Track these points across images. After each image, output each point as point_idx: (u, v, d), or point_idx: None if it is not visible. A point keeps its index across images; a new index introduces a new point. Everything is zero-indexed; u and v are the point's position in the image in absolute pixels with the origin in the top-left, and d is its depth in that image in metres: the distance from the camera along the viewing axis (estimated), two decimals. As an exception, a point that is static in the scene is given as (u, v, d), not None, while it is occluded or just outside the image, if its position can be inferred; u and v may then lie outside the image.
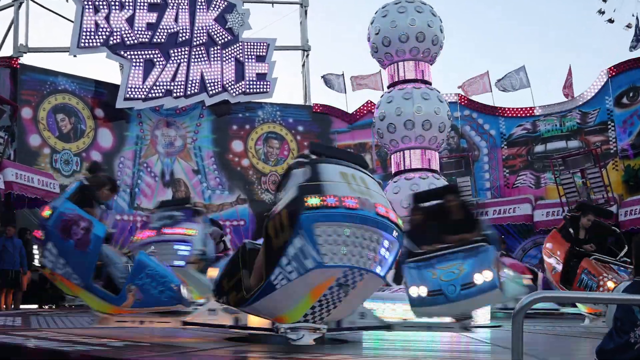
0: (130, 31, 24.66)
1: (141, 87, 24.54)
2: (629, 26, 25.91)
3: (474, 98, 27.49)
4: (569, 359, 7.91)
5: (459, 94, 27.22)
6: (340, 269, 6.50)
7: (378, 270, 6.73)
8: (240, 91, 25.90)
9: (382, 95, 17.56)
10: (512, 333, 4.11)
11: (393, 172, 17.54)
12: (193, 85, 25.28)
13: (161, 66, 24.91)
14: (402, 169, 17.69)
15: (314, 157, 7.07)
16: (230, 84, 25.74)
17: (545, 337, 9.98)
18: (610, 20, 27.20)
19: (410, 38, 16.47)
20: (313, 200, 6.50)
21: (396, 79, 17.41)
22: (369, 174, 7.22)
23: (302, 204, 6.50)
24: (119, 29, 24.51)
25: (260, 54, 26.33)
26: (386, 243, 6.75)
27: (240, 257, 7.43)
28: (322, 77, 28.81)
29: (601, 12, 27.70)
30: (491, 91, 27.64)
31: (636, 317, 4.39)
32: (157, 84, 24.76)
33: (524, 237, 24.69)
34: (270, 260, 6.71)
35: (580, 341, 9.66)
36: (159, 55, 24.95)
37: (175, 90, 24.95)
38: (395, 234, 6.84)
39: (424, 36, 16.55)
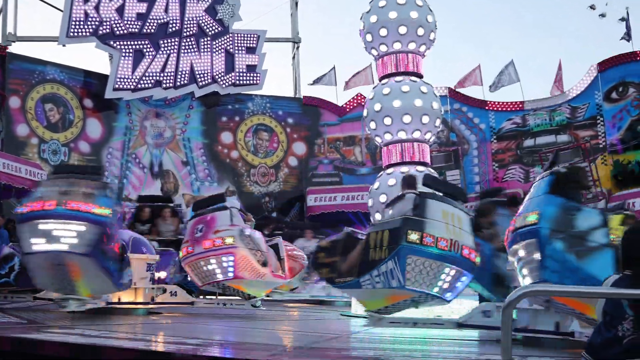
0: (120, 21, 24.61)
1: (130, 77, 24.48)
2: (622, 19, 26.10)
3: (465, 92, 27.65)
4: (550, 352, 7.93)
5: (449, 87, 27.30)
6: (416, 293, 8.23)
7: (447, 296, 8.47)
8: (230, 83, 25.88)
9: (373, 88, 17.55)
10: (501, 327, 4.15)
11: (383, 165, 17.56)
12: (182, 76, 25.25)
13: (151, 57, 24.88)
14: (392, 162, 17.72)
15: (424, 188, 8.75)
16: (220, 75, 25.74)
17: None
18: (602, 15, 27.40)
19: (404, 31, 16.43)
20: (413, 236, 8.09)
21: (387, 72, 17.40)
22: (465, 210, 8.72)
23: (405, 236, 8.09)
24: (108, 19, 24.43)
25: (251, 45, 26.31)
26: (463, 278, 8.44)
27: (343, 243, 9.15)
28: (310, 84, 28.77)
29: (592, 8, 27.90)
30: (482, 85, 27.81)
31: (625, 311, 4.37)
32: (147, 74, 24.72)
33: (513, 231, 24.84)
34: (365, 264, 8.46)
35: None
36: (148, 46, 24.91)
37: (164, 81, 24.92)
38: (471, 270, 8.49)
39: (417, 29, 16.52)
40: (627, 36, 25.81)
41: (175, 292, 12.21)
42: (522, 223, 7.50)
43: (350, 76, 28.18)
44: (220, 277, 11.79)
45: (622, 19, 26.22)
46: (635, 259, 4.43)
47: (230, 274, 11.78)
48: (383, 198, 15.80)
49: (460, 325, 8.78)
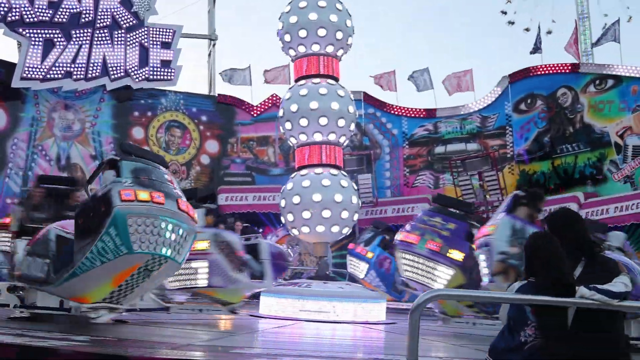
0: (30, 8, 24.27)
1: (39, 67, 24.17)
2: (527, 30, 27.28)
3: (379, 95, 28.41)
4: (458, 355, 8.41)
5: (363, 92, 27.90)
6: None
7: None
8: (143, 77, 25.79)
9: (290, 88, 17.91)
10: (408, 330, 4.36)
11: (296, 166, 17.97)
12: (94, 68, 25.04)
13: (61, 47, 24.61)
14: (305, 164, 18.10)
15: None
16: (133, 69, 25.63)
17: (438, 336, 10.66)
18: (511, 22, 28.63)
19: (323, 32, 16.80)
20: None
21: (304, 73, 17.77)
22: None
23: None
24: (18, 6, 24.07)
25: (166, 40, 26.27)
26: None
27: None
28: (220, 73, 28.88)
29: (504, 12, 29.15)
30: (396, 91, 28.55)
31: (527, 317, 4.59)
32: (57, 64, 24.45)
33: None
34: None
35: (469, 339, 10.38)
36: (59, 36, 24.64)
37: (75, 73, 24.67)
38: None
39: (327, 31, 16.91)
40: (535, 47, 26.99)
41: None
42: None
43: (271, 68, 28.43)
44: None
45: (526, 30, 27.41)
46: (538, 266, 4.63)
47: (202, 282, 11.74)
48: (297, 199, 16.22)
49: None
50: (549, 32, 27.53)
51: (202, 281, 11.67)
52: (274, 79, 28.25)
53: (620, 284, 4.52)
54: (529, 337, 4.56)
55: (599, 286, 4.46)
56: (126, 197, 7.72)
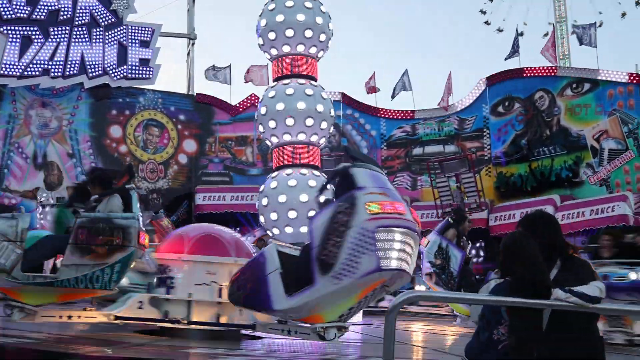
0: (7, 5, 24.22)
1: (17, 64, 24.13)
2: (499, 30, 27.61)
3: (358, 97, 28.61)
4: (433, 356, 8.54)
5: (342, 92, 28.12)
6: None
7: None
8: (121, 75, 25.75)
9: (266, 89, 17.94)
10: (384, 331, 4.36)
11: (274, 165, 18.05)
12: (72, 66, 24.98)
13: (39, 44, 24.55)
14: (282, 163, 18.17)
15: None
16: (111, 67, 25.58)
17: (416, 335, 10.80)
18: (487, 23, 28.98)
19: (299, 33, 16.84)
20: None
21: (282, 73, 17.84)
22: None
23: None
24: (-5, 2, 24.01)
25: (145, 39, 26.23)
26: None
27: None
28: (205, 71, 28.88)
29: (483, 12, 29.49)
30: (375, 92, 28.73)
31: (502, 316, 4.58)
32: (34, 62, 24.41)
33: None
34: None
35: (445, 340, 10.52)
36: (37, 33, 24.58)
37: (53, 70, 24.64)
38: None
39: (312, 32, 16.94)
40: (512, 52, 27.27)
41: None
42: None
43: (250, 66, 28.36)
44: None
45: (499, 30, 27.72)
46: (514, 265, 4.62)
47: None
48: (282, 198, 16.23)
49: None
50: (521, 34, 27.78)
51: None
52: (254, 79, 28.20)
53: (596, 288, 4.53)
54: (502, 335, 4.55)
55: (575, 288, 4.47)
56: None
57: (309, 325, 7.62)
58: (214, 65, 28.48)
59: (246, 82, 28.25)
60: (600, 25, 26.09)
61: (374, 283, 7.23)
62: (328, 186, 7.83)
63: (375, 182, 7.37)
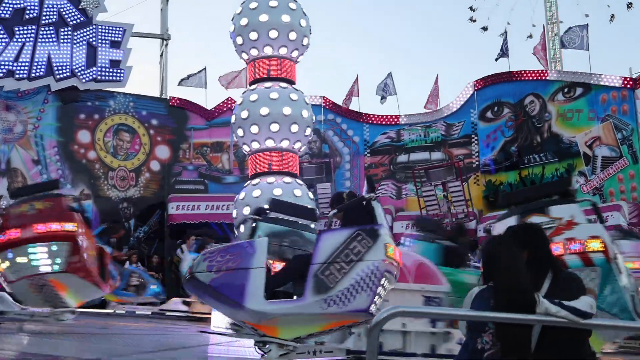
0: (-31, 3, 23.94)
1: (-21, 65, 23.65)
2: (484, 29, 27.48)
3: (340, 100, 28.33)
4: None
5: (323, 96, 27.77)
6: None
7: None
8: (90, 78, 25.33)
9: (245, 92, 17.71)
10: (367, 347, 4.36)
11: (249, 174, 17.81)
12: (38, 67, 24.56)
13: (3, 44, 24.14)
14: (260, 171, 17.96)
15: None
16: (80, 69, 25.16)
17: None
18: (472, 20, 28.84)
19: (274, 34, 16.63)
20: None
21: (258, 76, 17.62)
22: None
23: None
24: (-43, 0, 23.64)
25: (116, 39, 25.87)
26: None
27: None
28: (179, 83, 28.54)
29: (473, 20, 29.37)
30: (358, 96, 28.49)
31: (486, 324, 4.58)
32: (-2, 63, 23.94)
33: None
34: None
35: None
36: (1, 32, 24.18)
37: (17, 72, 24.21)
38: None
39: (296, 34, 16.79)
40: (504, 52, 27.11)
41: None
42: None
43: (226, 73, 28.07)
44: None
45: (484, 28, 27.60)
46: (495, 271, 4.61)
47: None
48: (247, 210, 15.96)
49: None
50: (503, 34, 27.63)
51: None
52: (230, 84, 27.95)
53: (587, 304, 4.50)
54: (486, 344, 4.54)
55: (566, 303, 4.44)
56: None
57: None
58: (188, 75, 28.13)
59: (223, 87, 27.98)
60: (586, 28, 25.96)
61: (349, 320, 7.38)
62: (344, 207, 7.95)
63: (387, 224, 7.50)
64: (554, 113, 25.19)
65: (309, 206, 13.75)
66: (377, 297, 7.04)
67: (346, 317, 7.19)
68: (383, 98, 28.25)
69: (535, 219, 7.56)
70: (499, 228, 7.79)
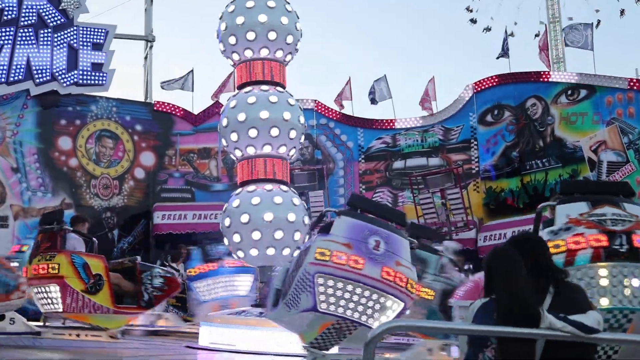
0: (-56, 4, 23.53)
1: (-45, 69, 23.15)
2: (487, 29, 27.11)
3: (333, 106, 27.90)
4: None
5: (315, 100, 27.38)
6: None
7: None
8: (72, 81, 24.89)
9: (229, 98, 17.32)
10: None
11: (239, 181, 17.35)
12: (17, 71, 24.12)
13: (-20, 47, 23.64)
14: (248, 178, 17.53)
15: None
16: (60, 72, 24.70)
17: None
18: (473, 21, 28.45)
19: (261, 35, 16.25)
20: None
21: (245, 80, 17.22)
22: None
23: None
24: None
25: (98, 41, 25.46)
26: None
27: None
28: (162, 85, 28.23)
29: (469, 10, 29.00)
30: (351, 99, 28.12)
31: (488, 338, 4.54)
32: (-25, 66, 23.40)
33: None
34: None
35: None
36: (-22, 34, 23.62)
37: (-5, 76, 23.67)
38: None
39: (277, 34, 16.33)
40: (504, 52, 26.74)
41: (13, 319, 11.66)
42: None
43: (217, 88, 27.82)
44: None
45: (487, 29, 27.27)
46: (497, 284, 4.60)
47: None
48: (245, 218, 15.58)
49: None
50: (511, 35, 27.33)
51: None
52: (218, 94, 27.69)
53: (594, 319, 4.50)
54: (487, 359, 4.53)
55: (571, 317, 4.44)
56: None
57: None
58: (168, 81, 27.81)
59: (214, 98, 27.69)
60: (597, 26, 25.53)
61: (324, 322, 8.31)
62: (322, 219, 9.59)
63: (351, 234, 8.35)
64: (557, 116, 24.77)
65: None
66: (323, 295, 8.09)
67: (313, 318, 8.30)
68: (374, 101, 27.88)
69: (608, 209, 7.57)
70: (561, 211, 7.86)
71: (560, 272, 4.98)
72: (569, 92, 24.67)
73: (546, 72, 25.71)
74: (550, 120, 24.86)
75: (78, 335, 12.44)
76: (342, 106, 28.06)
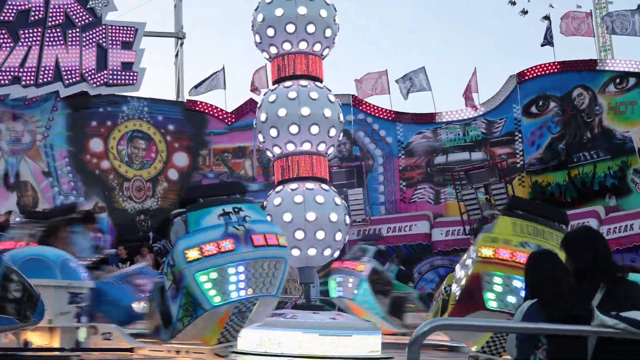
0: (-31, 6, 23.86)
1: (-17, 72, 23.68)
2: (546, 18, 26.91)
3: (370, 99, 27.98)
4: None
5: (353, 95, 27.45)
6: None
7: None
8: (101, 82, 25.30)
9: (264, 93, 17.51)
10: None
11: (275, 180, 17.63)
12: (46, 72, 24.56)
13: (8, 49, 24.16)
14: (286, 177, 17.77)
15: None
16: (90, 73, 25.11)
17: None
18: (524, 12, 28.23)
19: (301, 28, 16.46)
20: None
21: (282, 75, 17.42)
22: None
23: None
24: (-43, 4, 23.59)
25: (127, 40, 25.85)
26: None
27: None
28: (192, 90, 28.51)
29: (512, 3, 28.82)
30: (389, 93, 28.16)
31: (539, 339, 4.54)
32: (3, 69, 24.02)
33: (420, 258, 25.21)
34: None
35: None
36: (5, 36, 24.20)
37: (24, 78, 24.22)
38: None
39: (316, 27, 16.50)
40: (548, 41, 26.65)
41: (110, 333, 10.65)
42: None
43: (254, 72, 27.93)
44: None
45: (546, 18, 27.07)
46: (542, 286, 4.65)
47: None
48: (288, 217, 15.80)
49: None
50: (546, 18, 27.15)
51: None
52: (258, 85, 27.79)
53: None
54: None
55: (623, 314, 4.34)
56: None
57: None
58: (195, 86, 28.05)
59: (252, 91, 27.83)
60: (638, 12, 25.37)
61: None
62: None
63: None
64: (604, 106, 24.70)
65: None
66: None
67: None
68: (408, 92, 27.76)
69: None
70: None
71: (617, 268, 4.81)
72: (618, 80, 24.58)
73: (592, 60, 25.60)
74: (598, 110, 24.80)
75: (178, 352, 11.36)
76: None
